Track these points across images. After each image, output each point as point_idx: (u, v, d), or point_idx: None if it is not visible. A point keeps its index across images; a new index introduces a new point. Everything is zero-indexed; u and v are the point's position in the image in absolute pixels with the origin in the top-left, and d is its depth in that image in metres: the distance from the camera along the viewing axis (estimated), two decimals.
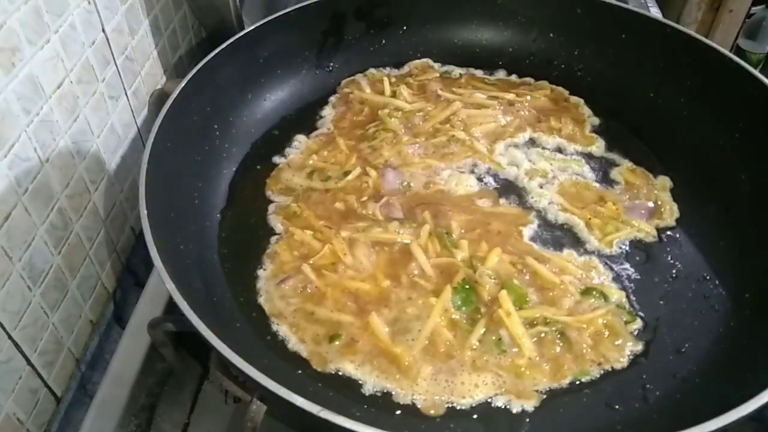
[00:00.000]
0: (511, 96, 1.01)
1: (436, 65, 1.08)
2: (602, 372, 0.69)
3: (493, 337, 0.70)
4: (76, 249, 0.80)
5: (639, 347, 0.71)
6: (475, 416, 0.66)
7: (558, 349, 0.70)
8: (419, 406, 0.66)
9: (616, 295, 0.75)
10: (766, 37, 2.01)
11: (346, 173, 0.89)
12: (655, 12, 1.27)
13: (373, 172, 0.89)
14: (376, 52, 1.08)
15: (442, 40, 1.10)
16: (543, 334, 0.71)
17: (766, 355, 0.67)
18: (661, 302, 0.76)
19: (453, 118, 0.97)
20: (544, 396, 0.67)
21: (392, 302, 0.74)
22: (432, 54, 1.09)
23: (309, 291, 0.76)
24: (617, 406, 0.67)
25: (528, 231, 0.83)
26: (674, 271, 0.79)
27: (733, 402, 0.55)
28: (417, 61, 1.08)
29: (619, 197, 0.87)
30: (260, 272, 0.78)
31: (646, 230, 0.83)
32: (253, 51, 0.96)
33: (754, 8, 1.91)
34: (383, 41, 1.08)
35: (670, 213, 0.86)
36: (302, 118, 1.00)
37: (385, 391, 0.67)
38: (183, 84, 0.84)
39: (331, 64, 1.06)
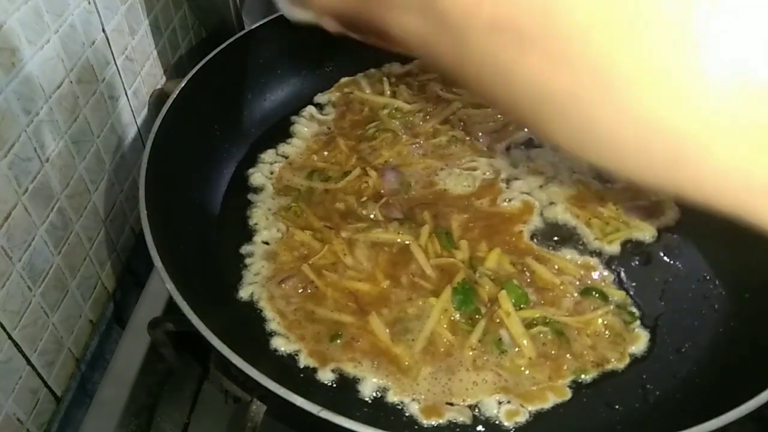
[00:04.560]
0: None
1: None
2: (602, 372, 0.69)
3: (493, 338, 0.70)
4: (76, 249, 0.80)
5: (639, 347, 0.71)
6: (475, 415, 0.66)
7: (558, 350, 0.70)
8: (420, 408, 0.66)
9: (616, 295, 0.75)
10: None
11: (346, 173, 0.89)
12: None
13: (373, 172, 0.89)
14: (376, 52, 1.07)
15: None
16: (543, 334, 0.71)
17: (766, 355, 0.67)
18: (661, 302, 0.76)
19: (453, 118, 0.97)
20: (545, 396, 0.67)
21: (392, 302, 0.74)
22: None
23: (309, 291, 0.76)
24: (617, 406, 0.67)
25: (528, 231, 0.82)
26: (674, 271, 0.79)
27: (733, 402, 0.55)
28: (417, 60, 1.08)
29: (619, 197, 0.87)
30: (260, 272, 0.78)
31: (646, 230, 0.83)
32: (253, 51, 0.96)
33: None
34: None
35: (670, 213, 0.85)
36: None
37: (385, 390, 0.68)
38: (183, 84, 0.84)
39: (331, 64, 1.06)
